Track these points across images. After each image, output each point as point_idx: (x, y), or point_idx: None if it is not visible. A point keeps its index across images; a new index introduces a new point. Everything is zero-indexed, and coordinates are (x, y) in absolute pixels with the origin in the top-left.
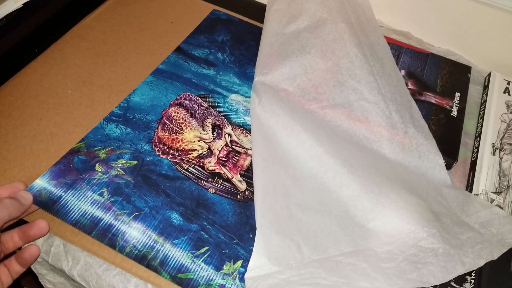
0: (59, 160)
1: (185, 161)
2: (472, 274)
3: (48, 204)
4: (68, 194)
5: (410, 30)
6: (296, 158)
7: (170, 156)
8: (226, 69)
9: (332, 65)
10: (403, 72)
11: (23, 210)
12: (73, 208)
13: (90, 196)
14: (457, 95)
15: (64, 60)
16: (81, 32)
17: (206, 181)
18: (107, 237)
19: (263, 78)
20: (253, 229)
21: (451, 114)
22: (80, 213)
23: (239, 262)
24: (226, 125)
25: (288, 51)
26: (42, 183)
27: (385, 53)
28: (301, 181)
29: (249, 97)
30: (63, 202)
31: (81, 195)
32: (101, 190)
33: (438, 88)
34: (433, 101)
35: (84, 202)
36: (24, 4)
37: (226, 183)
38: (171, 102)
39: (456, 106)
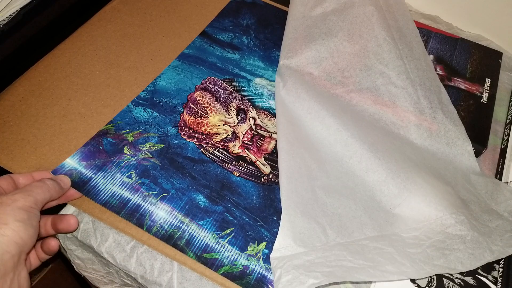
0: (88, 141)
1: (210, 145)
2: (500, 262)
3: (79, 184)
4: (98, 176)
5: (439, 14)
6: (321, 142)
7: (196, 140)
8: (250, 53)
9: (359, 49)
10: (431, 57)
11: (62, 193)
12: (103, 189)
13: (119, 178)
14: (488, 81)
15: (92, 42)
16: (108, 15)
17: (231, 164)
18: (135, 217)
19: (288, 62)
20: (277, 211)
21: (481, 100)
22: (110, 194)
23: (263, 244)
24: (251, 109)
25: (314, 34)
26: (72, 163)
27: (414, 37)
28: (326, 164)
29: (274, 81)
30: (93, 183)
31: (111, 177)
32: (130, 173)
33: (468, 74)
34: (463, 87)
35: (114, 184)
36: None
37: (250, 166)
38: (196, 86)
39: (486, 92)
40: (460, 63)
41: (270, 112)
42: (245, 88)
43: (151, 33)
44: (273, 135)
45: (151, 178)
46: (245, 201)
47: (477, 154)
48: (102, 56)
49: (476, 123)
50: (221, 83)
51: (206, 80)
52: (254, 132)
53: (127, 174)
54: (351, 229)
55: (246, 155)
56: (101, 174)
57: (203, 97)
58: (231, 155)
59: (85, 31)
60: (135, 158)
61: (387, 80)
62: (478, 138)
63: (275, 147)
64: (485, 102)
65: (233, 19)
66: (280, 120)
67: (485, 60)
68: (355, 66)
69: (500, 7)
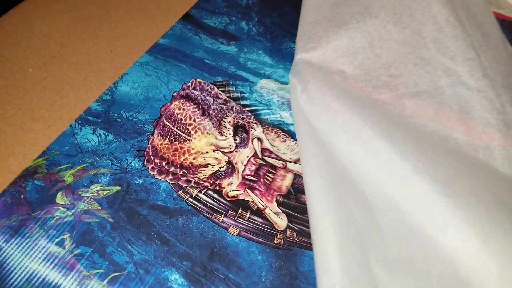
0: (6, 189)
1: (193, 184)
2: None
3: None
4: (11, 244)
5: None
6: (366, 178)
7: (171, 177)
8: (253, 44)
9: (411, 35)
10: None
11: None
12: (16, 268)
13: (44, 246)
14: None
15: (28, 28)
16: None
17: (225, 216)
18: None
19: (309, 55)
20: None
21: None
22: (26, 276)
23: None
24: (254, 126)
25: (344, 15)
26: None
27: (486, 17)
28: (377, 217)
29: (287, 84)
30: (2, 258)
31: (30, 245)
32: (62, 237)
33: None
34: None
35: (33, 258)
36: None
37: (255, 218)
38: (174, 94)
39: None
40: None
41: (283, 130)
42: (246, 95)
43: (113, 16)
44: (289, 165)
45: (95, 245)
46: (249, 278)
47: None
48: (40, 47)
49: None
50: (211, 88)
51: (189, 83)
52: (261, 161)
53: (57, 240)
54: None
55: (249, 198)
56: (15, 241)
57: (184, 109)
58: (225, 200)
59: (19, 12)
60: (73, 211)
61: (454, 79)
62: None
63: (293, 185)
64: None
65: None
66: (304, 141)
67: None
68: (407, 60)
69: None
